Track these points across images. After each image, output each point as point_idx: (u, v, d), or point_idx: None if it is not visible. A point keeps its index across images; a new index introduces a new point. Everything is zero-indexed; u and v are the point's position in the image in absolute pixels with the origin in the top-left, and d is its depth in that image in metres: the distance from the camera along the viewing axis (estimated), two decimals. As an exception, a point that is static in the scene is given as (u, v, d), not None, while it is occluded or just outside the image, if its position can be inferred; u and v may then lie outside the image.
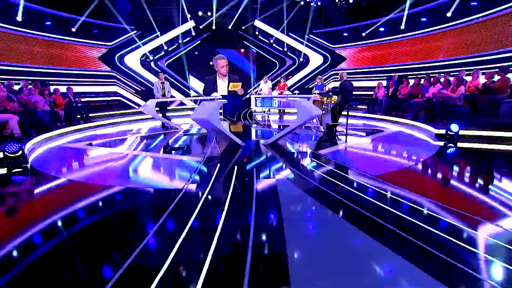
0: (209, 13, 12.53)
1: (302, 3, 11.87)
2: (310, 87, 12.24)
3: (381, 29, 11.35)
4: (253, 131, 7.61)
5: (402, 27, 10.28)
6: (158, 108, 8.05)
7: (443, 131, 5.79)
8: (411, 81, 8.89)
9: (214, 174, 3.67)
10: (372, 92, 10.06)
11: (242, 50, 13.80)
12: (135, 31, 11.75)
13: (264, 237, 2.14)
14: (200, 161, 4.36)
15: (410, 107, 7.79)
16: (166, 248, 1.97)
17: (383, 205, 2.65)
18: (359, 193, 2.93)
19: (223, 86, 16.10)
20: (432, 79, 7.79)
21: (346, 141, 5.68)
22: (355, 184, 3.25)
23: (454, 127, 5.62)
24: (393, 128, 7.51)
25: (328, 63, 13.33)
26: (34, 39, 9.34)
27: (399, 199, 2.82)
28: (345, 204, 2.68)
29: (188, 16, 12.57)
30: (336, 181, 3.31)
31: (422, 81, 8.53)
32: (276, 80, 12.42)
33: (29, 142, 5.28)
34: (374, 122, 8.58)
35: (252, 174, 3.64)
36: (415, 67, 10.45)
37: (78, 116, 8.29)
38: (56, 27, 9.94)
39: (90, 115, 8.78)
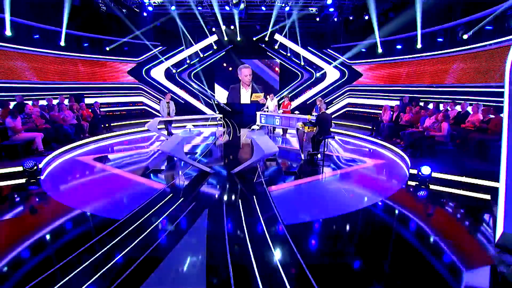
0: (232, 27, 13.24)
1: (317, 19, 11.88)
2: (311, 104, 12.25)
3: (398, 46, 10.83)
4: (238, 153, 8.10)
5: (419, 45, 9.73)
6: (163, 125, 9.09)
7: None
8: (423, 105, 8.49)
9: (158, 206, 4.33)
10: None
11: (277, 69, 14.27)
12: (161, 47, 13.03)
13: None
14: (164, 187, 5.08)
15: (404, 136, 7.52)
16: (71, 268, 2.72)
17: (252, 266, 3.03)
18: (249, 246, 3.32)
19: (246, 95, 16.83)
20: (428, 109, 7.42)
21: (302, 178, 5.83)
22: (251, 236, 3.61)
23: (425, 170, 5.39)
24: (386, 156, 7.39)
25: (345, 79, 13.10)
26: (76, 59, 11.09)
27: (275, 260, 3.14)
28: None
29: (213, 29, 13.45)
30: (245, 227, 3.72)
31: (431, 105, 8.09)
32: (292, 93, 12.65)
33: (48, 156, 6.53)
34: (373, 146, 8.47)
35: (188, 206, 4.23)
36: (429, 90, 9.81)
37: (102, 126, 9.68)
38: (94, 48, 11.63)
39: (113, 124, 10.16)
